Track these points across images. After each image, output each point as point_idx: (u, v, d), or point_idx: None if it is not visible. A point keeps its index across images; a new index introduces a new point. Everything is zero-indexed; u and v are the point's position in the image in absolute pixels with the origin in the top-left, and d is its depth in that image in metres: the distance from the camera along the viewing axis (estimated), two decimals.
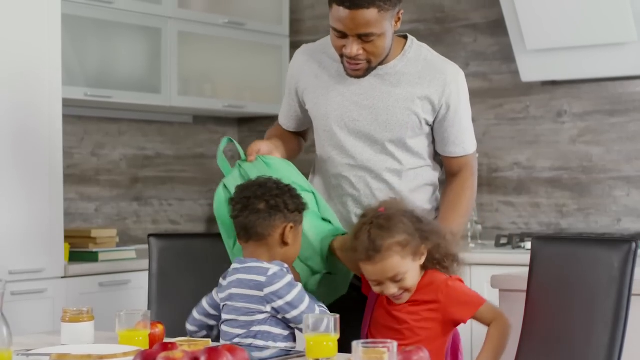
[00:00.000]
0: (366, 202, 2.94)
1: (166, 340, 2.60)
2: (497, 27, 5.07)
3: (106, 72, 4.66)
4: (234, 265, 2.75)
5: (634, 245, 2.59)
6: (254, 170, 2.86)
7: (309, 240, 2.80)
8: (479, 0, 5.16)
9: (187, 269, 3.24)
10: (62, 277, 4.11)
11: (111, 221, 5.05)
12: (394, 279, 2.66)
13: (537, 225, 5.01)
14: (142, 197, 5.22)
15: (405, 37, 3.01)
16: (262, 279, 2.64)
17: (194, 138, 5.48)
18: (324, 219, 2.87)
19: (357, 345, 2.04)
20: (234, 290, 2.69)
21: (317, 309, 2.67)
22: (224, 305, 2.73)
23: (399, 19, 2.88)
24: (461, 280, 2.74)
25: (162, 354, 2.09)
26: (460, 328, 2.80)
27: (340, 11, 2.79)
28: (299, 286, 2.67)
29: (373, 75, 2.94)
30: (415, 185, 3.00)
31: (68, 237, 4.29)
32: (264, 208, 2.70)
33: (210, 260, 3.20)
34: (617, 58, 4.63)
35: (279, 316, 2.66)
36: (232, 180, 2.88)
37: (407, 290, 2.68)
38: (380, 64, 2.92)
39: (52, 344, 2.62)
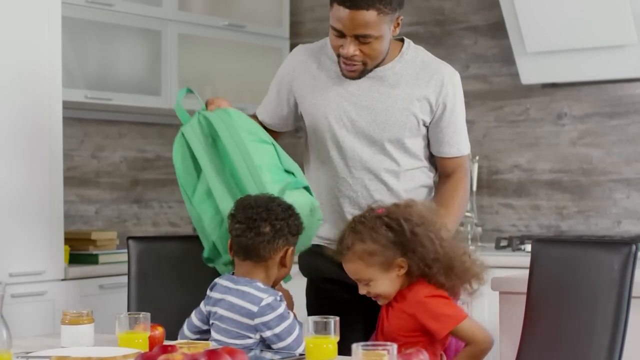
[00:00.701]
0: (364, 203, 2.94)
1: (166, 342, 2.60)
2: (497, 29, 5.07)
3: (106, 74, 4.66)
4: (224, 283, 2.72)
5: (634, 247, 2.59)
6: (216, 119, 2.87)
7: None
8: (479, 2, 5.17)
9: (167, 271, 3.22)
10: (62, 280, 4.10)
11: (111, 223, 5.05)
12: (360, 282, 2.69)
13: (537, 228, 5.01)
14: (142, 200, 5.22)
15: (402, 40, 3.03)
16: (254, 308, 2.63)
17: None
18: (286, 171, 2.88)
19: (357, 347, 2.04)
20: (224, 313, 2.68)
21: (301, 345, 2.66)
22: (212, 323, 2.72)
23: (398, 24, 2.90)
24: (446, 297, 2.71)
25: (162, 357, 2.08)
26: None
27: (340, 10, 2.81)
28: (290, 318, 2.66)
29: (371, 77, 2.96)
30: (411, 186, 3.01)
31: (68, 239, 4.29)
32: (269, 231, 2.69)
33: (191, 262, 3.17)
34: (617, 60, 4.63)
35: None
36: (191, 128, 2.90)
37: (378, 295, 2.70)
38: (378, 65, 2.94)
39: (51, 347, 2.62)
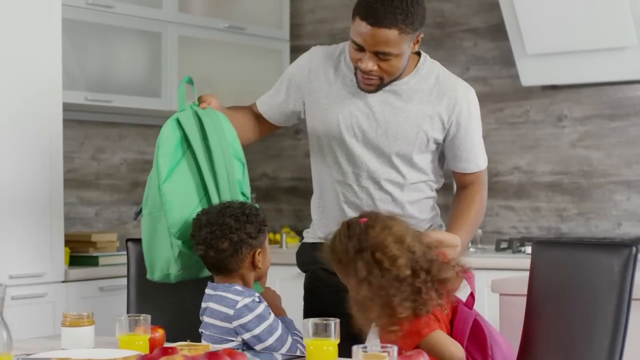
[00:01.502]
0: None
1: (166, 344, 2.60)
2: (497, 31, 5.07)
3: (106, 76, 4.66)
4: (207, 290, 2.76)
5: (634, 249, 2.59)
6: (206, 118, 2.89)
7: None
8: (479, 4, 5.17)
9: None
10: (63, 282, 4.11)
11: (111, 225, 5.05)
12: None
13: (537, 230, 5.01)
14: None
15: (419, 54, 3.03)
16: (230, 311, 2.66)
17: None
18: (242, 193, 2.90)
19: (357, 349, 2.04)
20: (206, 319, 2.71)
21: (289, 340, 2.68)
22: (201, 332, 2.75)
23: (418, 41, 2.90)
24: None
25: (163, 358, 2.08)
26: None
27: (362, 26, 2.81)
28: (270, 318, 2.67)
29: (386, 90, 2.96)
30: (415, 198, 3.03)
31: (68, 241, 4.29)
32: (228, 246, 2.71)
33: None
34: (617, 62, 4.63)
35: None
36: (186, 118, 2.90)
37: None
38: (393, 80, 2.95)
39: (52, 349, 2.62)
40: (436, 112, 2.95)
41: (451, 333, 2.63)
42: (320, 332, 2.34)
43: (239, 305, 2.65)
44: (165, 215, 2.82)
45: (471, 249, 4.79)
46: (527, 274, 2.79)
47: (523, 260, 4.18)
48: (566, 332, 2.63)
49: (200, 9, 5.11)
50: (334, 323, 2.34)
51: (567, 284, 2.66)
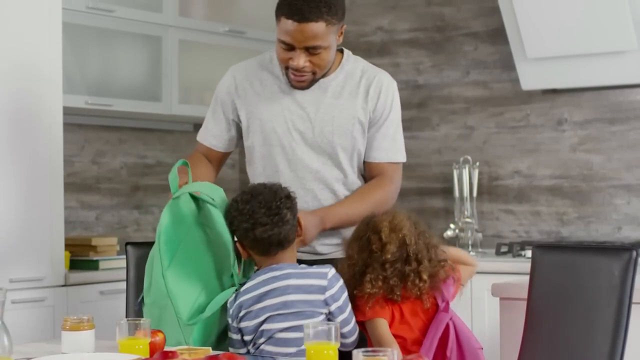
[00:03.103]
0: None
1: (166, 348, 2.60)
2: (498, 35, 5.08)
3: (107, 80, 4.66)
4: (271, 274, 2.71)
5: (634, 253, 2.59)
6: (208, 208, 2.83)
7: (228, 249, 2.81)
8: (479, 8, 5.17)
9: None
10: (63, 286, 4.10)
11: (112, 229, 5.05)
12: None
13: (537, 234, 5.01)
14: (143, 205, 5.22)
15: (342, 51, 3.10)
16: (323, 282, 2.68)
17: (195, 146, 5.47)
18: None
19: (357, 353, 2.04)
20: (291, 297, 2.68)
21: (354, 318, 2.74)
22: (268, 317, 2.68)
23: (342, 33, 2.98)
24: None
25: None
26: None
27: (289, 24, 2.89)
28: (346, 291, 2.74)
29: (315, 88, 3.02)
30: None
31: (68, 245, 4.29)
32: (290, 216, 2.76)
33: None
34: (617, 66, 4.63)
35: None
36: (184, 203, 2.82)
37: None
38: (322, 77, 3.01)
39: (52, 353, 2.62)
40: (365, 102, 3.01)
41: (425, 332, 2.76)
42: (321, 335, 2.34)
43: (329, 276, 2.68)
44: (173, 303, 2.76)
45: (472, 253, 4.79)
46: (528, 278, 2.79)
47: (523, 264, 4.18)
48: (566, 335, 2.63)
49: (200, 13, 5.11)
50: (334, 327, 2.34)
51: (568, 287, 2.66)
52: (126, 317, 3.17)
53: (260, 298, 2.71)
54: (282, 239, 2.75)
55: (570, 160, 4.94)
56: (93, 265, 4.33)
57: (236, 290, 2.77)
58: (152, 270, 2.82)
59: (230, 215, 2.79)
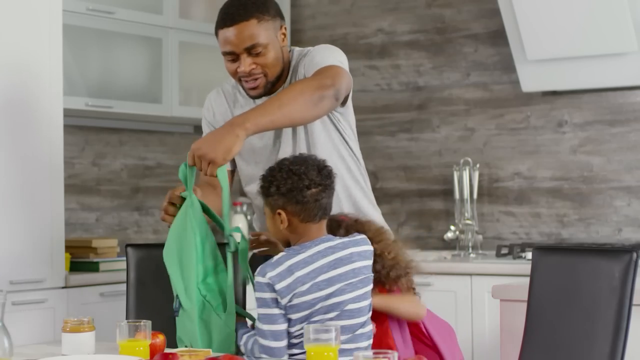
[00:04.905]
0: None
1: (167, 350, 2.60)
2: (498, 37, 5.08)
3: (107, 82, 4.66)
4: (328, 244, 2.63)
5: (634, 255, 2.59)
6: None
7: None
8: (479, 10, 5.17)
9: (166, 278, 3.21)
10: (63, 287, 4.10)
11: (112, 231, 5.05)
12: None
13: (537, 235, 5.01)
14: (143, 207, 5.22)
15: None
16: (370, 247, 2.69)
17: None
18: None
19: (357, 355, 2.05)
20: (357, 264, 2.63)
21: None
22: (337, 289, 2.60)
23: (284, 34, 3.00)
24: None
25: None
26: (462, 331, 2.80)
27: (225, 32, 2.93)
28: None
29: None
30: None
31: (69, 247, 4.29)
32: (333, 188, 2.71)
33: None
34: (617, 68, 4.63)
35: None
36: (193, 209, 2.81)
37: None
38: (280, 84, 3.01)
39: (52, 354, 2.62)
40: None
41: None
42: (321, 338, 2.34)
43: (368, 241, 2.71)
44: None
45: (472, 255, 4.79)
46: (528, 279, 2.79)
47: (524, 266, 4.18)
48: (567, 337, 2.63)
49: (201, 15, 5.11)
50: (334, 329, 2.34)
51: (568, 289, 2.66)
52: (126, 318, 3.17)
53: (323, 269, 2.60)
54: (327, 205, 2.68)
55: (571, 162, 4.94)
56: (93, 267, 4.33)
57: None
58: (188, 275, 2.77)
59: (277, 177, 2.66)
